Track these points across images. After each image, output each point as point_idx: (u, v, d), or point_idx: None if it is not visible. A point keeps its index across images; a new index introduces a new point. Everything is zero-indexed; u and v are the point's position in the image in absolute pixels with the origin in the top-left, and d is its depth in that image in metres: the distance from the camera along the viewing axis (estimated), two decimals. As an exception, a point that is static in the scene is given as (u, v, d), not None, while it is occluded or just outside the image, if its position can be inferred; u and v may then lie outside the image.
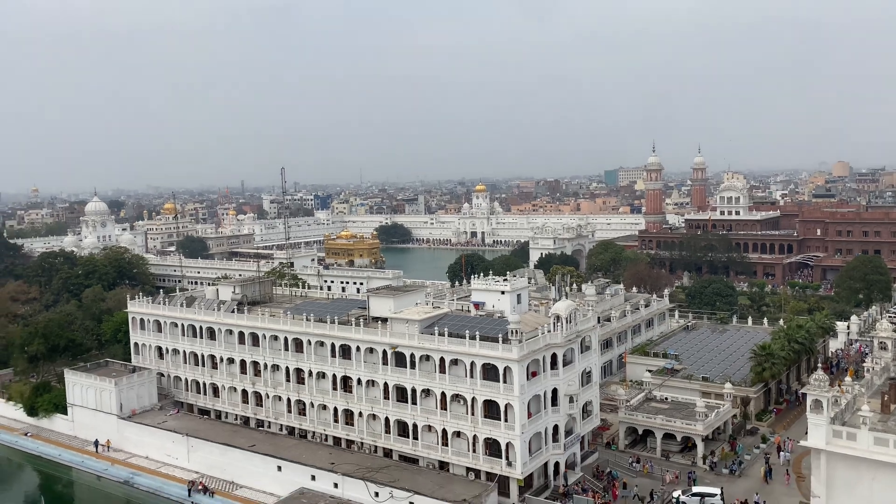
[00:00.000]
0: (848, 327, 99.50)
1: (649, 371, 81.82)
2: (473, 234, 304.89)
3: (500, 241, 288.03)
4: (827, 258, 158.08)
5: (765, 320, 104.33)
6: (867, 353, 76.64)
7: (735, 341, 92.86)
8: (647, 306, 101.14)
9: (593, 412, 69.17)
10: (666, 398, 75.62)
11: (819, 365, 54.42)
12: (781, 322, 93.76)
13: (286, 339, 73.05)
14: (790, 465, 63.57)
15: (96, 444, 79.88)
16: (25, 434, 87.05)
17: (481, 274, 78.08)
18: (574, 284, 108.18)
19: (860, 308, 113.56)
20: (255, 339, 76.13)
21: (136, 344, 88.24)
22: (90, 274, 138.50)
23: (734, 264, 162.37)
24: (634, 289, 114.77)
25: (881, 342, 55.40)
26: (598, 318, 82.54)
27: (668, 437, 69.37)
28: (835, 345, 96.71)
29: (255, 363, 76.31)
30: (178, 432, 75.69)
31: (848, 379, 50.77)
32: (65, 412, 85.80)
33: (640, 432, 71.64)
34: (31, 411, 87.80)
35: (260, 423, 76.99)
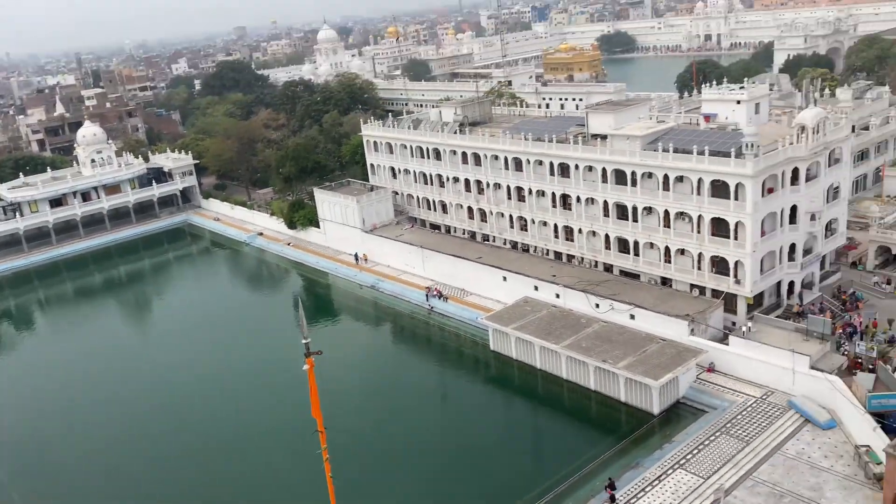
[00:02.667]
0: None
1: (913, 186, 71.98)
2: (708, 37, 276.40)
3: (740, 44, 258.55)
4: None
5: None
6: None
7: None
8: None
9: (838, 230, 63.43)
10: (931, 217, 66.70)
11: None
12: None
13: (506, 158, 74.25)
14: None
15: (356, 257, 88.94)
16: (288, 244, 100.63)
17: (714, 82, 71.38)
18: (827, 89, 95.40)
19: None
20: (477, 159, 78.36)
21: (371, 165, 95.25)
22: (327, 100, 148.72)
23: None
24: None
25: None
26: (854, 126, 72.90)
27: (929, 259, 61.98)
28: None
29: (479, 182, 79.11)
30: (413, 244, 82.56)
31: None
32: (317, 226, 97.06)
33: (894, 252, 64.66)
34: (291, 224, 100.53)
35: (485, 238, 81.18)
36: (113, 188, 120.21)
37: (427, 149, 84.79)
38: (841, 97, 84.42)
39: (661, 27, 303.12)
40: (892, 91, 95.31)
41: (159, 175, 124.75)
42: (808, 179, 57.94)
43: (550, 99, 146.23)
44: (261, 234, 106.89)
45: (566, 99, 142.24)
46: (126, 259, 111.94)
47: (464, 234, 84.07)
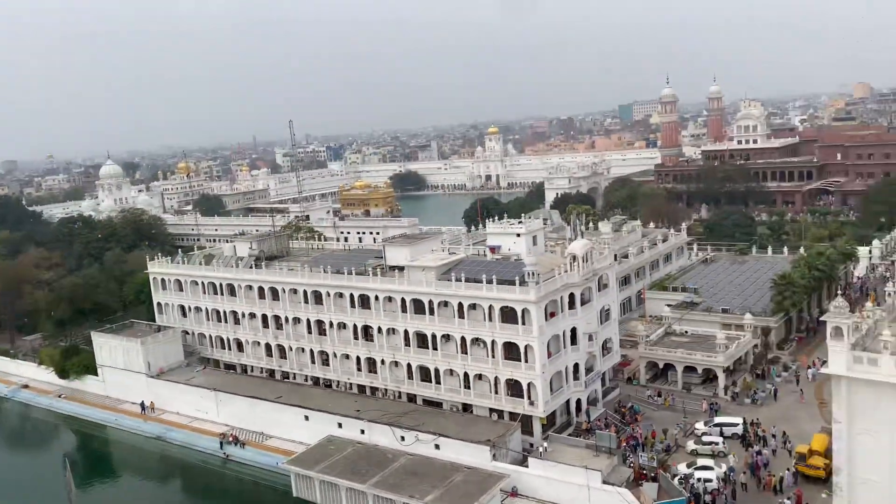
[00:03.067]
0: (870, 252, 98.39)
1: (668, 305, 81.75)
2: (488, 177, 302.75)
3: (516, 184, 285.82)
4: (848, 183, 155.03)
5: (785, 249, 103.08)
6: (889, 277, 75.80)
7: (755, 272, 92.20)
8: (664, 241, 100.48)
9: (613, 349, 69.55)
10: (686, 332, 75.73)
11: (839, 292, 53.89)
12: (802, 250, 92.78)
13: (305, 292, 73.66)
14: (811, 384, 63.95)
15: (142, 405, 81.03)
16: (59, 396, 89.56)
17: (496, 218, 77.72)
18: (590, 223, 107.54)
19: (882, 232, 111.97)
20: (275, 294, 76.85)
21: (158, 304, 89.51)
22: (110, 237, 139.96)
23: (752, 194, 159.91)
24: (652, 224, 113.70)
25: (903, 266, 54.79)
26: (616, 255, 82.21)
27: (689, 369, 69.72)
28: (857, 271, 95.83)
29: (277, 317, 77.19)
30: (206, 388, 77.35)
31: (869, 304, 50.32)
32: (95, 373, 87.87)
33: (661, 366, 72.07)
34: (63, 373, 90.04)
35: (285, 375, 78.37)
36: None
37: (221, 285, 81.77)
38: (602, 230, 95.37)
39: (447, 168, 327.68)
40: (643, 224, 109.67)
41: None
42: (583, 303, 63.73)
43: (349, 233, 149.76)
44: (25, 386, 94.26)
45: (364, 233, 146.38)
46: None
47: (262, 372, 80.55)
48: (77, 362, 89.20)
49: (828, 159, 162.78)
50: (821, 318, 50.13)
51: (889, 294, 52.22)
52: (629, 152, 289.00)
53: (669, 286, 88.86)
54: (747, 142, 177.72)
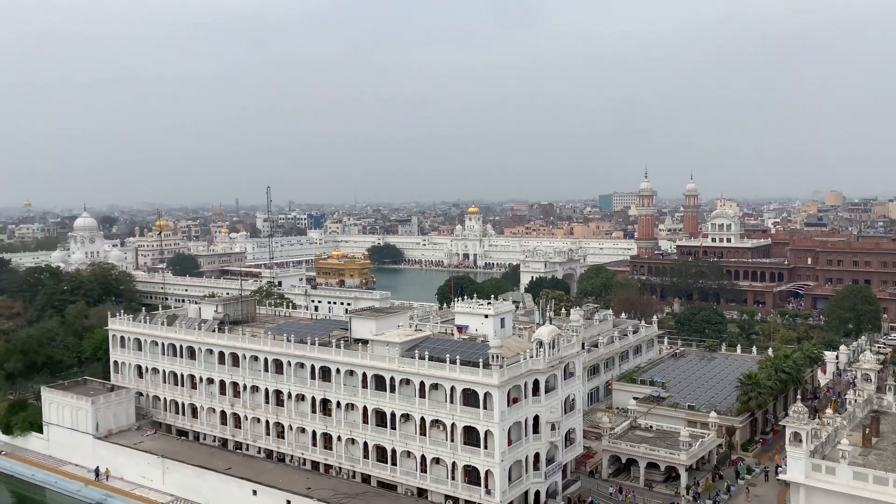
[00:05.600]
0: (836, 357, 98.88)
1: (635, 398, 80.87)
2: (466, 255, 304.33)
3: (492, 264, 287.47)
4: (817, 287, 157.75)
5: (754, 349, 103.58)
6: (854, 384, 75.87)
7: (723, 369, 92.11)
8: (635, 332, 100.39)
9: (576, 440, 68.15)
10: (651, 426, 74.63)
11: (798, 396, 53.66)
12: (770, 351, 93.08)
13: (266, 359, 72.02)
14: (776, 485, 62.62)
15: (97, 472, 76.73)
16: (0, 452, 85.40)
17: (465, 297, 77.37)
18: (563, 309, 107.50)
19: (850, 338, 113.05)
20: (236, 360, 75.07)
21: (115, 362, 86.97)
22: (75, 290, 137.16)
23: (724, 292, 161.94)
24: (624, 314, 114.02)
25: (864, 374, 54.69)
26: (584, 343, 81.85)
27: (652, 466, 68.31)
28: (823, 375, 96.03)
29: (235, 384, 75.17)
30: (153, 453, 74.24)
31: (829, 411, 50.00)
32: (41, 431, 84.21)
33: (624, 461, 70.55)
34: (7, 429, 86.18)
35: (238, 446, 75.68)
36: None
37: (181, 346, 79.77)
38: (573, 317, 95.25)
39: (426, 244, 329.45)
40: (615, 314, 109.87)
41: None
42: (547, 391, 62.74)
43: (320, 301, 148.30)
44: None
45: (335, 303, 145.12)
46: None
47: (214, 441, 77.68)
48: (22, 418, 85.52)
49: (798, 262, 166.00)
50: (779, 423, 49.61)
51: (850, 402, 51.98)
52: (606, 241, 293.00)
53: (638, 378, 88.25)
54: (721, 240, 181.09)
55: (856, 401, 51.52)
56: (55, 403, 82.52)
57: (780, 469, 65.76)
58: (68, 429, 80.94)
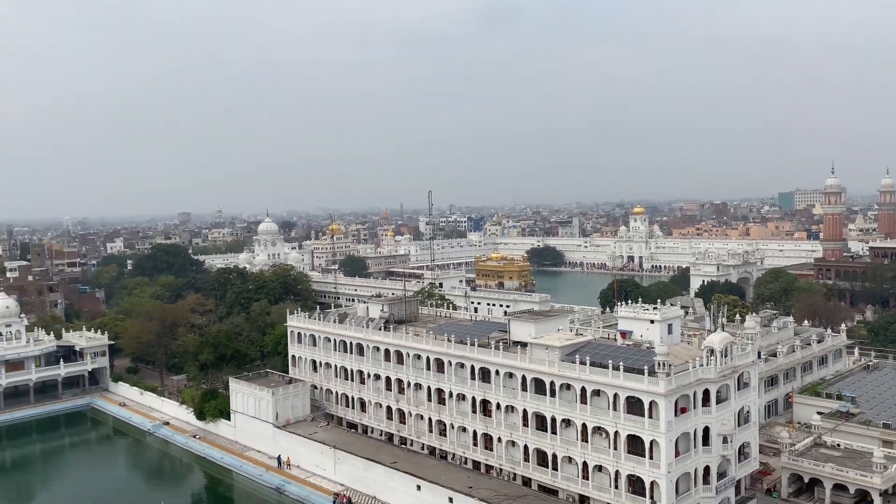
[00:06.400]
0: None
1: (820, 413, 74.04)
2: (630, 258, 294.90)
3: (659, 267, 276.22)
4: None
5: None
6: None
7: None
8: (820, 342, 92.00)
9: (751, 455, 63.54)
10: (838, 444, 67.94)
11: None
12: None
13: (428, 358, 73.87)
14: None
15: (279, 460, 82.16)
16: (194, 436, 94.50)
17: (630, 301, 74.69)
18: (738, 315, 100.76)
19: None
20: (400, 357, 77.72)
21: (293, 356, 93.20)
22: (259, 289, 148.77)
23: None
24: (807, 322, 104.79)
25: None
26: (761, 352, 76.10)
27: (840, 488, 62.10)
28: None
29: (400, 380, 77.82)
30: (326, 444, 78.64)
31: None
32: (229, 418, 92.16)
33: (807, 481, 64.71)
34: (200, 415, 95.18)
35: (403, 441, 78.23)
36: (15, 364, 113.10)
37: (351, 343, 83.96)
38: (748, 324, 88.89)
39: (588, 246, 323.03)
40: (796, 321, 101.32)
41: (69, 353, 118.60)
42: (719, 401, 59.00)
43: (479, 303, 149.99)
44: (167, 423, 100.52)
45: (493, 304, 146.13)
46: (16, 443, 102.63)
47: (381, 435, 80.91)
48: (214, 405, 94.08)
49: None
50: None
51: None
52: (787, 242, 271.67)
53: (822, 392, 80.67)
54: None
55: None
56: (241, 393, 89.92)
57: None
58: (252, 417, 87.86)
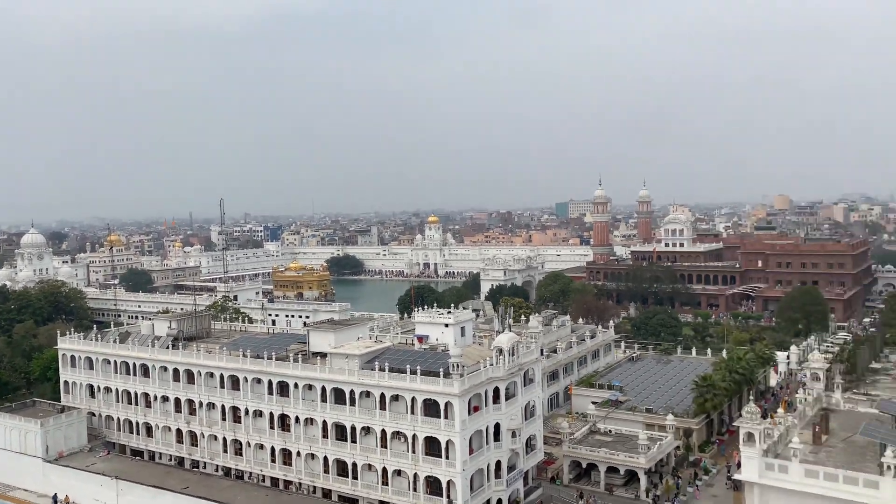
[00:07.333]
0: (787, 357, 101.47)
1: (594, 403, 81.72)
2: (426, 265, 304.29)
3: (453, 273, 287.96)
4: (768, 289, 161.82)
5: (708, 351, 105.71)
6: (804, 384, 77.99)
7: (678, 372, 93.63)
8: (593, 337, 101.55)
9: (537, 446, 68.47)
10: (610, 430, 75.46)
11: (752, 397, 54.96)
12: (724, 353, 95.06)
13: (222, 375, 70.79)
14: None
15: (55, 499, 73.53)
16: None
17: (426, 306, 77.34)
18: (523, 316, 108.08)
19: (800, 338, 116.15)
20: (191, 377, 73.62)
21: (66, 382, 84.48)
22: (23, 309, 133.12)
23: (679, 295, 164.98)
24: (582, 320, 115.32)
25: (813, 373, 56.28)
26: (543, 350, 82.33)
27: (612, 470, 69.00)
28: (776, 375, 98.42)
29: (191, 401, 73.71)
30: (107, 475, 72.11)
31: (780, 411, 51.33)
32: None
33: (585, 466, 71.12)
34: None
35: (195, 464, 74.13)
36: None
37: (134, 364, 77.91)
38: (532, 324, 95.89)
39: (386, 254, 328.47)
40: (573, 320, 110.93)
41: None
42: (507, 398, 62.96)
43: (277, 315, 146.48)
44: None
45: (292, 316, 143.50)
46: None
47: (170, 460, 75.93)
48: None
49: (749, 265, 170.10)
50: (734, 423, 50.61)
51: (800, 401, 53.40)
52: (563, 248, 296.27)
53: (596, 383, 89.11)
54: (674, 244, 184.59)
55: (806, 399, 52.93)
56: (1, 427, 79.63)
57: (729, 468, 67.21)
58: (17, 452, 78.12)
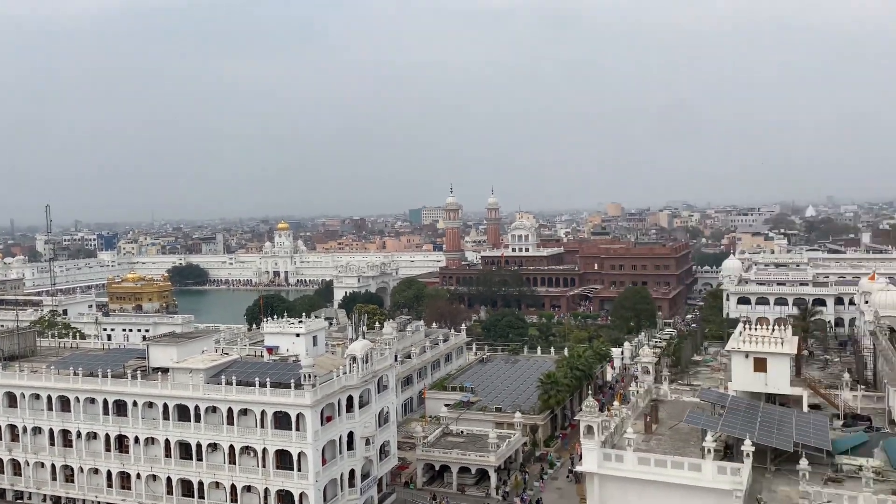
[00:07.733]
0: (622, 353, 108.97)
1: (447, 405, 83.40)
2: (276, 273, 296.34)
3: (305, 281, 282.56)
4: (603, 290, 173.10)
5: (552, 350, 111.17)
6: (636, 377, 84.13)
7: (525, 371, 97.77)
8: (446, 341, 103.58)
9: (391, 452, 68.86)
10: (462, 431, 77.33)
11: (590, 391, 58.57)
12: (565, 351, 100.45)
13: (49, 397, 65.09)
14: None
15: None
16: None
17: (276, 316, 75.44)
18: (377, 323, 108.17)
19: (632, 335, 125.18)
20: (12, 400, 67.02)
21: None
22: None
23: (525, 298, 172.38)
24: (435, 324, 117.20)
25: (644, 367, 60.93)
26: (398, 355, 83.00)
27: (464, 470, 70.79)
28: (612, 370, 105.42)
29: (13, 426, 67.12)
30: None
31: (616, 403, 55.04)
32: None
33: (438, 468, 72.44)
34: None
35: (19, 495, 67.69)
36: None
37: (-58, 391, 69.67)
38: (386, 330, 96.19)
39: (233, 262, 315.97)
40: (426, 325, 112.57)
41: None
42: (361, 406, 62.84)
43: (113, 329, 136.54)
44: None
45: (131, 330, 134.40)
46: None
47: (-12, 494, 68.71)
48: None
49: (587, 268, 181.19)
50: (575, 417, 53.52)
51: (633, 393, 57.65)
52: (417, 254, 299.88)
53: (448, 385, 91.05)
54: (520, 249, 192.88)
55: (638, 392, 57.14)
56: None
57: (573, 461, 71.09)
58: None
